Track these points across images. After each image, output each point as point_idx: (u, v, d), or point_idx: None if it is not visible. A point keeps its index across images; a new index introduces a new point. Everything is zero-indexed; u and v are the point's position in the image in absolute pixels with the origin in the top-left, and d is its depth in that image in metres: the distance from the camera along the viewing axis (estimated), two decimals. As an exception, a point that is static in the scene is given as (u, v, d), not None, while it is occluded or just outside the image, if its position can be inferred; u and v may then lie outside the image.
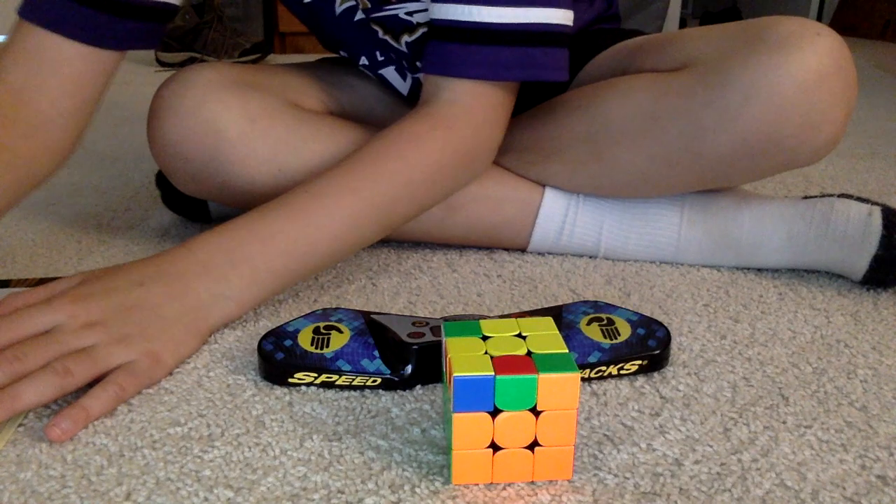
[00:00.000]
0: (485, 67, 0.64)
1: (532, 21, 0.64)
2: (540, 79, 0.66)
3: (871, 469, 0.45)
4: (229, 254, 0.57)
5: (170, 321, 0.54)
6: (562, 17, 0.65)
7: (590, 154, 0.71)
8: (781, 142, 0.61)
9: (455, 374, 0.41)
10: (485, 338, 0.45)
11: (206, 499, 0.42)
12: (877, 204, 0.69)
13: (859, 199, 0.70)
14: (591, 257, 0.77)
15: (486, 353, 0.43)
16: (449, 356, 0.43)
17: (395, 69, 0.78)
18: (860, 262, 0.69)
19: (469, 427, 0.42)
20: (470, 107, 0.66)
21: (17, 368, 0.48)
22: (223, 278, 0.57)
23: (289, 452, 0.46)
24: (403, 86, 0.79)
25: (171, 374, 0.54)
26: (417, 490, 0.43)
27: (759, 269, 0.74)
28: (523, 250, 0.78)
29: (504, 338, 0.45)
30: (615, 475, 0.44)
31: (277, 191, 0.68)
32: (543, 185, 0.75)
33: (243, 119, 0.69)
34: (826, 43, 0.60)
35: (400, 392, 0.53)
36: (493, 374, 0.41)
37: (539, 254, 0.78)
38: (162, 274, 0.56)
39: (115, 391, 0.49)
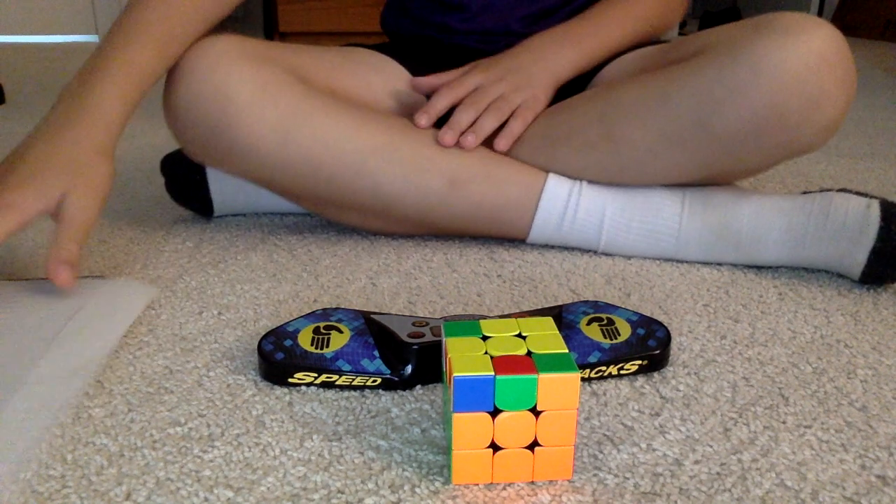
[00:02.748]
0: None
1: None
2: None
3: (871, 469, 0.45)
4: None
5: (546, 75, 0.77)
6: None
7: (600, 135, 0.73)
8: (787, 117, 0.65)
9: (455, 374, 0.41)
10: (485, 338, 0.45)
11: (206, 499, 0.42)
12: (875, 197, 0.70)
13: (858, 193, 0.71)
14: (591, 252, 0.77)
15: (486, 353, 0.43)
16: (449, 356, 0.43)
17: None
18: (859, 256, 0.69)
19: (469, 427, 0.42)
20: None
21: (477, 109, 0.75)
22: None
23: (289, 452, 0.46)
24: None
25: None
26: (417, 490, 0.43)
27: (759, 269, 0.74)
28: (524, 240, 0.78)
29: (504, 338, 0.45)
30: (615, 475, 0.44)
31: (282, 159, 0.71)
32: (547, 171, 0.76)
33: (254, 86, 0.70)
34: (828, 31, 0.64)
35: (400, 392, 0.53)
36: (493, 374, 0.41)
37: (539, 253, 0.78)
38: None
39: (524, 117, 0.76)
